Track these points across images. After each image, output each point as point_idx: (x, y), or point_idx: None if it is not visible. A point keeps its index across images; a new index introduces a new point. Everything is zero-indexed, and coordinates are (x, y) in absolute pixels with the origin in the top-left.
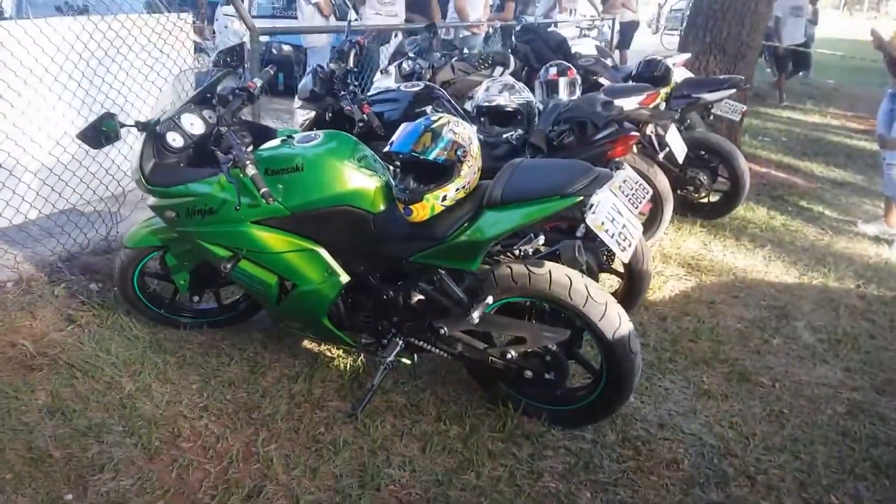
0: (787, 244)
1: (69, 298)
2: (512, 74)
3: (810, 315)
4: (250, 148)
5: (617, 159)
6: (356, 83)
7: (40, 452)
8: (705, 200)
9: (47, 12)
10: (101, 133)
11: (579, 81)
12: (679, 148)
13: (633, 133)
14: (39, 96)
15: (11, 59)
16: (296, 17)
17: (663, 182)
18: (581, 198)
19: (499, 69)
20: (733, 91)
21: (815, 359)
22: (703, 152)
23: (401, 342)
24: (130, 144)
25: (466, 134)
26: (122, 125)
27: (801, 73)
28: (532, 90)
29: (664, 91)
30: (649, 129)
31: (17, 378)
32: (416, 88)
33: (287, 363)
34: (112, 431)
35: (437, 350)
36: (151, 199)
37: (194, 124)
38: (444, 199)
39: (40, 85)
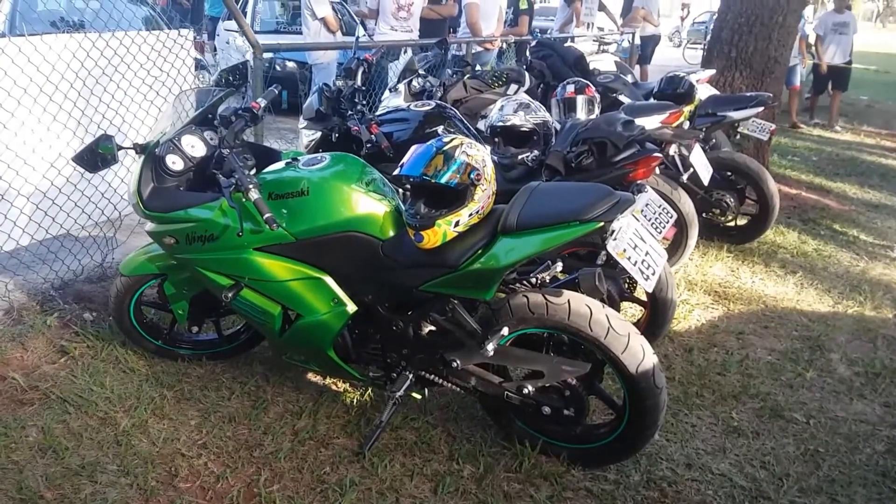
0: (819, 270)
1: (62, 328)
2: (527, 92)
3: (846, 346)
4: (253, 171)
5: (639, 182)
6: (364, 102)
7: (31, 493)
8: (732, 224)
9: (42, 28)
10: (97, 156)
11: (598, 99)
12: (704, 169)
13: (656, 154)
14: (33, 117)
15: (4, 79)
16: (300, 33)
17: (688, 205)
18: (601, 223)
19: (513, 87)
20: (761, 109)
21: (851, 393)
22: (729, 173)
23: (411, 376)
24: (128, 167)
25: (480, 156)
26: (120, 147)
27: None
28: (548, 109)
29: (688, 109)
30: (672, 150)
31: (7, 413)
32: (426, 108)
33: (290, 398)
34: (106, 470)
35: (450, 384)
36: (149, 225)
37: (195, 146)
38: (457, 224)
39: (34, 105)
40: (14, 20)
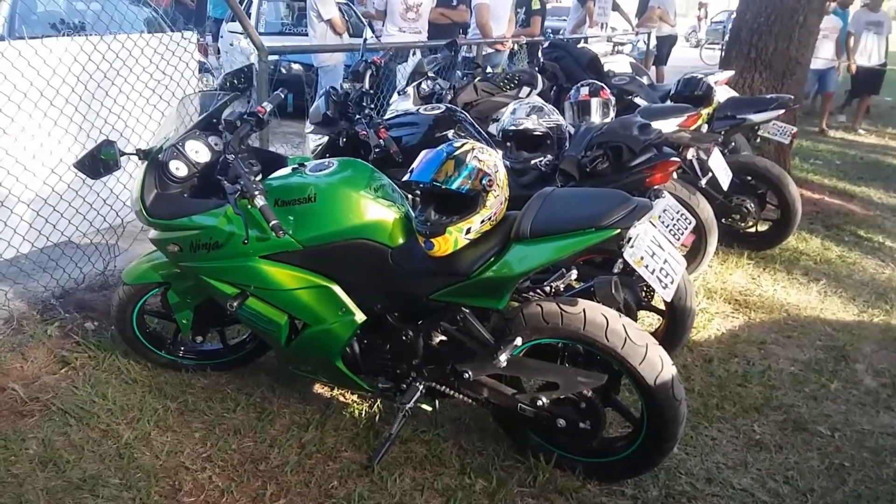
0: (843, 278)
1: (63, 338)
2: (540, 95)
3: (872, 357)
4: (259, 177)
5: (656, 187)
6: (372, 105)
7: None
8: (753, 230)
9: (42, 30)
10: (99, 162)
11: (613, 102)
12: (723, 173)
13: (674, 158)
14: (34, 122)
15: (4, 83)
16: (306, 35)
17: (707, 211)
18: (618, 230)
19: (525, 89)
20: (781, 111)
21: (878, 405)
22: (749, 178)
23: (421, 387)
24: (130, 173)
25: (492, 161)
26: (122, 153)
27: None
28: (562, 112)
29: (706, 112)
30: (691, 154)
31: (7, 425)
32: (436, 111)
33: (297, 409)
34: (108, 484)
35: (461, 396)
36: (153, 232)
37: (199, 152)
38: (468, 231)
39: (35, 110)
40: (13, 23)
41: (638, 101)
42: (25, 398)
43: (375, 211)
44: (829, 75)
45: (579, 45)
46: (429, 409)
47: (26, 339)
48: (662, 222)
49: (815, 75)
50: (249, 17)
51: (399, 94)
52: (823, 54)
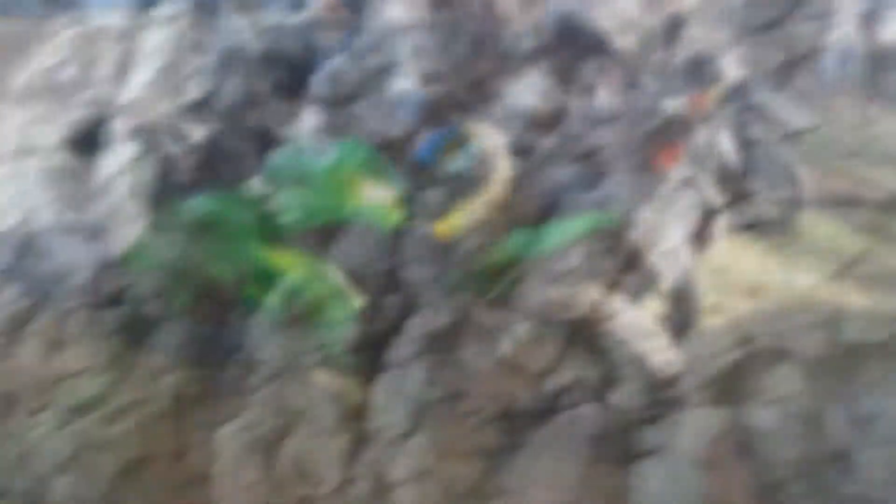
0: (858, 264)
1: (59, 327)
2: (547, 74)
3: (885, 346)
4: (258, 158)
5: (664, 168)
6: (372, 85)
7: None
8: (764, 214)
9: (33, 5)
10: (93, 143)
11: (620, 80)
12: (733, 154)
13: (682, 139)
14: (26, 104)
15: None
16: (303, 12)
17: (715, 193)
18: (623, 214)
19: (531, 69)
20: (794, 91)
21: (891, 395)
22: (759, 159)
23: (422, 372)
24: (126, 153)
25: (496, 142)
26: (118, 134)
27: None
28: (568, 91)
29: (716, 91)
30: (699, 134)
31: (1, 417)
32: (439, 92)
33: (297, 397)
34: (103, 477)
35: (464, 381)
36: (151, 216)
37: (197, 132)
38: (472, 214)
39: (27, 90)
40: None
41: (645, 79)
42: (19, 389)
43: (376, 193)
44: (849, 53)
45: (587, 22)
46: (431, 394)
47: (21, 330)
48: (669, 205)
49: (833, 53)
50: None
51: (400, 73)
52: (843, 31)
